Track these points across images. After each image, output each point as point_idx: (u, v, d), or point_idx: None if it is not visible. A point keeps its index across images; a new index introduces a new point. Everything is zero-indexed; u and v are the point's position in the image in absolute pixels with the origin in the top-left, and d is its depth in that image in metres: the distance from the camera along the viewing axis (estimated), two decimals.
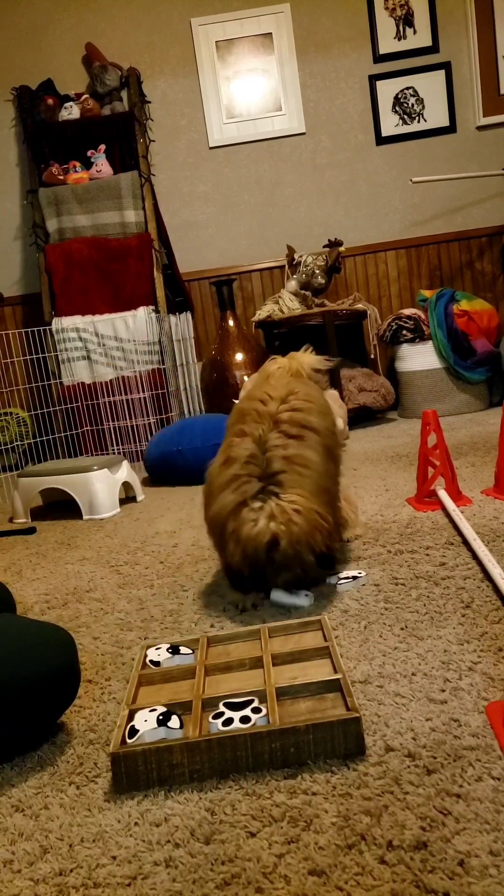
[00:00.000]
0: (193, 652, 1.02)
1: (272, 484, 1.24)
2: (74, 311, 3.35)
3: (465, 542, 1.43)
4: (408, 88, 3.73)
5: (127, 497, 2.42)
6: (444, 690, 0.88)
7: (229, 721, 0.80)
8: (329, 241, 3.44)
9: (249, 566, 1.23)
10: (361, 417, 3.54)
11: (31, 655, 0.86)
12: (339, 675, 0.87)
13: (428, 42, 3.69)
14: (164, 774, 0.77)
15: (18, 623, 0.92)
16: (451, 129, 3.75)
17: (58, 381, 3.32)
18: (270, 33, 3.69)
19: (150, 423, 3.30)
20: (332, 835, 0.66)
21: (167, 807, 0.74)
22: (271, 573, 1.25)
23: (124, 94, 3.67)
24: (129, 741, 0.79)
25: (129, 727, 0.81)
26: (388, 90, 3.73)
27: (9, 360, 3.72)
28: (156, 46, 3.71)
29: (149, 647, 1.04)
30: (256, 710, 0.82)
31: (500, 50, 3.69)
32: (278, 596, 1.26)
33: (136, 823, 0.72)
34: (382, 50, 3.70)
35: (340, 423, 2.78)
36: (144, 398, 3.29)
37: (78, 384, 3.31)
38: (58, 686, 0.87)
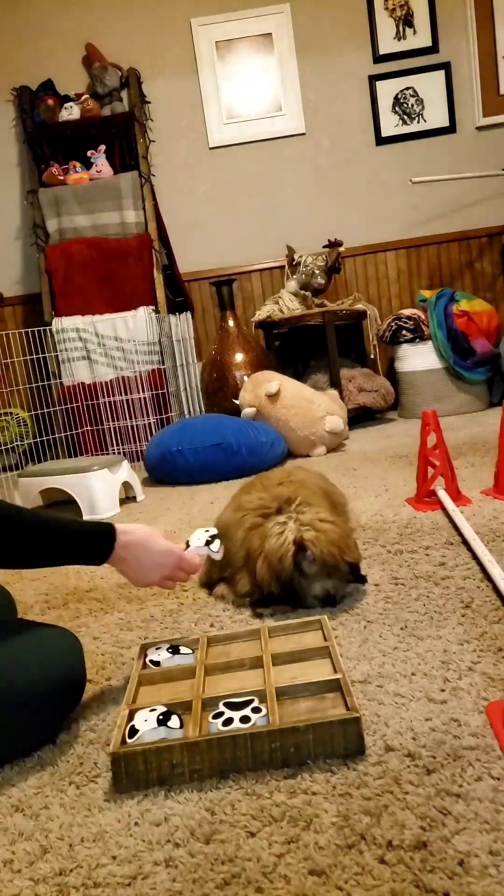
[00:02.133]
0: (193, 652, 1.02)
1: (289, 508, 1.26)
2: (74, 311, 3.35)
3: (465, 542, 1.43)
4: (408, 89, 3.73)
5: (127, 497, 2.42)
6: (443, 690, 0.88)
7: (229, 721, 0.80)
8: (329, 241, 3.44)
9: (278, 580, 1.18)
10: (361, 417, 3.54)
11: (38, 660, 0.87)
12: (338, 675, 0.87)
13: (428, 42, 3.69)
14: (164, 774, 0.77)
15: (26, 627, 0.93)
16: (451, 129, 3.75)
17: (58, 381, 3.32)
18: (270, 33, 3.69)
19: (150, 423, 3.30)
20: (332, 834, 0.66)
21: (167, 807, 0.74)
22: (305, 585, 1.20)
23: (124, 94, 3.67)
24: (129, 741, 0.79)
25: (129, 727, 0.81)
26: (388, 90, 3.73)
27: (9, 361, 3.72)
28: (156, 46, 3.71)
29: (149, 647, 1.04)
30: (256, 710, 0.82)
31: (500, 50, 3.69)
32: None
33: (136, 823, 0.72)
34: (382, 50, 3.70)
35: (340, 423, 2.79)
36: (144, 398, 3.29)
37: (78, 384, 3.31)
38: (64, 690, 0.89)
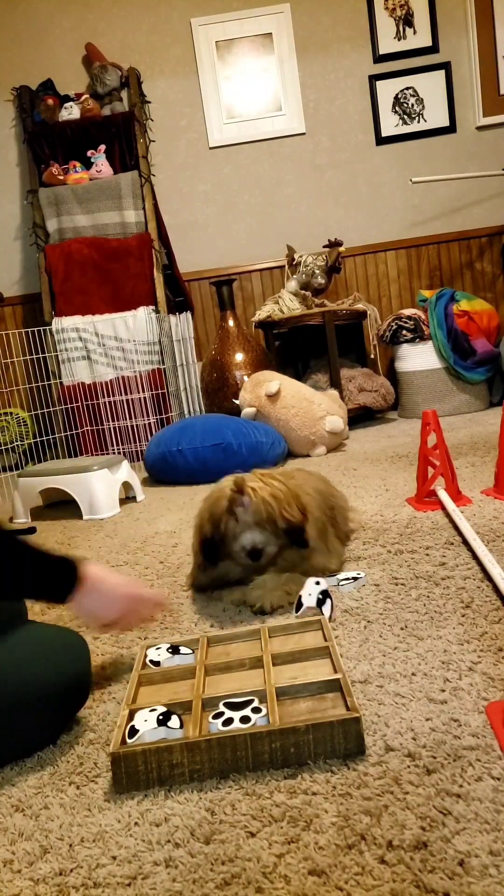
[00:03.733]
0: (193, 652, 1.02)
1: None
2: (74, 311, 3.35)
3: (465, 542, 1.43)
4: (408, 88, 3.73)
5: (127, 497, 2.42)
6: (444, 690, 0.88)
7: (229, 721, 0.80)
8: (329, 241, 3.44)
9: (211, 522, 1.22)
10: (361, 417, 3.54)
11: (46, 661, 0.87)
12: (339, 675, 0.87)
13: (428, 42, 3.69)
14: (164, 774, 0.77)
15: (36, 629, 0.93)
16: (451, 129, 3.75)
17: (58, 381, 3.32)
18: (270, 33, 3.69)
19: (150, 423, 3.30)
20: (332, 835, 0.66)
21: (167, 807, 0.74)
22: (236, 532, 1.22)
23: (124, 94, 3.67)
24: (129, 741, 0.79)
25: (129, 727, 0.81)
26: (388, 90, 3.73)
27: (9, 360, 3.72)
28: (156, 46, 3.71)
29: (149, 647, 1.04)
30: (256, 710, 0.82)
31: (500, 50, 3.69)
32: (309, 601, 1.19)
33: (136, 823, 0.72)
34: (382, 50, 3.70)
35: (340, 422, 2.79)
36: (144, 398, 3.29)
37: (78, 384, 3.31)
38: (70, 692, 0.89)
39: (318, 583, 1.17)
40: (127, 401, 3.30)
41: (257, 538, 1.23)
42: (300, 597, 1.16)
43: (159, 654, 1.01)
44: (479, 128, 3.76)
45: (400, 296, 3.90)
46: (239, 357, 3.31)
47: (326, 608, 1.13)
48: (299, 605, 1.16)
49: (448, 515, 1.64)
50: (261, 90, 3.73)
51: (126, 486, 2.37)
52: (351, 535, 1.58)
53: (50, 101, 3.49)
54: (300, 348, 3.81)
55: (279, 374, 2.96)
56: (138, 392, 3.29)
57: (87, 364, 3.33)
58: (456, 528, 1.54)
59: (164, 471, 2.58)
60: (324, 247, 3.48)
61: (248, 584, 1.28)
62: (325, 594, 1.15)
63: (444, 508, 1.69)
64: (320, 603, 1.13)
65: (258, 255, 3.86)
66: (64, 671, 0.88)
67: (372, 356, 3.72)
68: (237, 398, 3.07)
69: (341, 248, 3.42)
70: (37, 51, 3.70)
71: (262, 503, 1.19)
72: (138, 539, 1.86)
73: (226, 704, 0.84)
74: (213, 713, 0.82)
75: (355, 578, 1.28)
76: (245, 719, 0.80)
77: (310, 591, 1.15)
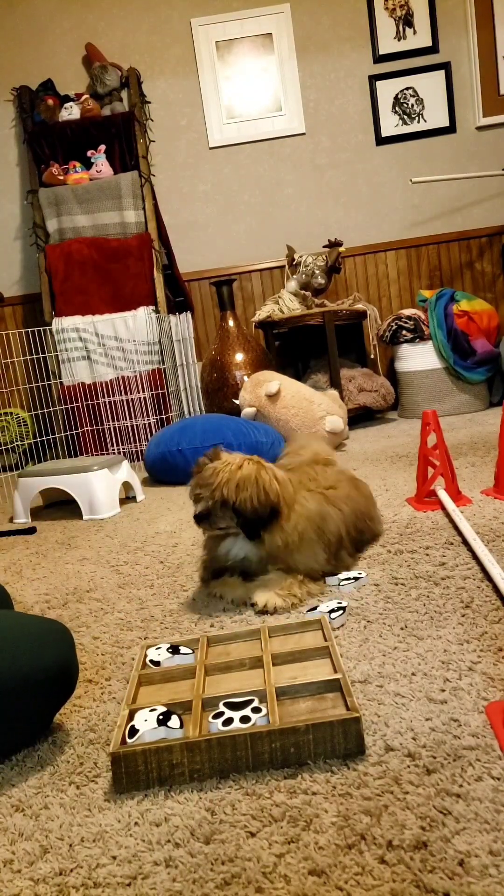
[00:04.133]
0: (193, 652, 1.02)
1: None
2: (74, 311, 3.35)
3: (465, 542, 1.43)
4: (408, 89, 3.73)
5: (127, 497, 2.42)
6: (444, 690, 0.88)
7: (229, 721, 0.80)
8: (329, 241, 3.44)
9: (193, 472, 1.31)
10: (361, 417, 3.54)
11: (26, 648, 0.85)
12: (338, 675, 0.87)
13: (428, 42, 3.69)
14: (164, 774, 0.77)
15: (14, 617, 0.91)
16: (451, 129, 3.75)
17: (58, 381, 3.32)
18: (270, 33, 3.69)
19: (150, 423, 3.30)
20: (332, 835, 0.66)
21: (167, 807, 0.74)
22: (193, 491, 1.29)
23: (124, 94, 3.67)
24: (129, 741, 0.79)
25: (129, 727, 0.81)
26: (388, 90, 3.73)
27: (9, 360, 3.72)
28: (156, 46, 3.72)
29: (149, 647, 1.04)
30: (256, 710, 0.82)
31: (500, 50, 3.69)
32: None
33: (136, 823, 0.72)
34: (382, 50, 3.70)
35: (340, 423, 2.79)
36: (144, 398, 3.29)
37: (78, 384, 3.31)
38: (55, 680, 0.86)
39: (339, 602, 1.18)
40: (127, 401, 3.30)
41: (202, 506, 1.27)
42: (316, 607, 1.17)
43: (159, 653, 1.01)
44: (479, 128, 3.76)
45: (400, 296, 3.90)
46: (239, 357, 3.31)
47: (337, 618, 1.12)
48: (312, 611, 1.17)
49: (448, 515, 1.64)
50: (261, 90, 3.73)
51: (126, 486, 2.37)
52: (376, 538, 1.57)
53: (50, 102, 3.49)
54: (300, 348, 3.81)
55: (279, 374, 2.96)
56: (138, 392, 3.29)
57: (87, 364, 3.33)
58: (456, 528, 1.54)
59: (164, 471, 2.58)
60: (324, 247, 3.48)
61: (253, 581, 1.29)
62: (342, 609, 1.15)
63: (443, 508, 1.69)
64: (333, 611, 1.14)
65: (258, 255, 3.87)
66: (45, 658, 0.85)
67: (372, 356, 3.72)
68: (237, 398, 3.07)
69: (341, 248, 3.43)
70: (37, 51, 3.70)
71: (210, 474, 1.25)
72: (138, 539, 1.86)
73: (226, 704, 0.84)
74: (213, 713, 0.82)
75: (355, 578, 1.28)
76: (245, 719, 0.80)
77: (328, 605, 1.16)
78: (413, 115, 3.75)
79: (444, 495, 1.71)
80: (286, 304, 3.42)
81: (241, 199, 3.83)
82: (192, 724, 0.82)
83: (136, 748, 0.77)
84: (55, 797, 0.78)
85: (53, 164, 3.48)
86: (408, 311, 3.44)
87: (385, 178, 3.82)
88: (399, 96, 3.74)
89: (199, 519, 1.28)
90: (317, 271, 3.44)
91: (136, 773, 0.77)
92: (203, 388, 3.46)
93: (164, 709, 0.83)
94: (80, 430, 3.30)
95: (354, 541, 1.43)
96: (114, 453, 3.29)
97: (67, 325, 3.29)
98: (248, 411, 2.86)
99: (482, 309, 3.34)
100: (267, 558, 1.28)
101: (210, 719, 0.81)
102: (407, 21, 3.68)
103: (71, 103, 3.53)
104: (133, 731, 0.80)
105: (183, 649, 1.03)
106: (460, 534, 1.49)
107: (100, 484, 2.19)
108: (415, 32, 3.68)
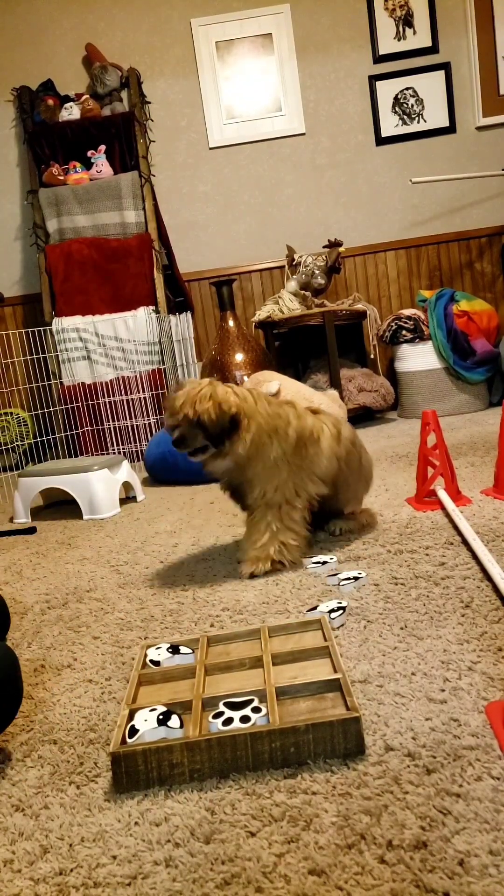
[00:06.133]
0: (193, 652, 1.02)
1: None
2: (74, 311, 3.35)
3: (465, 542, 1.43)
4: (407, 89, 3.73)
5: (127, 497, 2.42)
6: (443, 690, 0.88)
7: (229, 721, 0.80)
8: (329, 241, 3.44)
9: (164, 409, 1.45)
10: (361, 417, 3.54)
11: None
12: (338, 675, 0.87)
13: (428, 42, 3.69)
14: (164, 774, 0.77)
15: None
16: (450, 129, 3.76)
17: (58, 381, 3.33)
18: (270, 34, 3.69)
19: (150, 423, 3.30)
20: (332, 834, 0.66)
21: (167, 806, 0.74)
22: (167, 423, 1.41)
23: (124, 94, 3.67)
24: (129, 741, 0.79)
25: (129, 727, 0.81)
26: (387, 90, 3.73)
27: (9, 360, 3.72)
28: (156, 47, 3.72)
29: (149, 646, 1.04)
30: (256, 710, 0.82)
31: (500, 50, 3.69)
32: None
33: (136, 823, 0.72)
34: (382, 50, 3.70)
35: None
36: (144, 398, 3.29)
37: (78, 384, 3.31)
38: None
39: (339, 602, 1.18)
40: (127, 401, 3.30)
41: (178, 431, 1.38)
42: (316, 607, 1.17)
43: (159, 653, 1.01)
44: (479, 128, 3.76)
45: (400, 296, 3.90)
46: (239, 357, 3.31)
47: (337, 618, 1.13)
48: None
49: (448, 515, 1.64)
50: (261, 90, 3.73)
51: (126, 486, 2.37)
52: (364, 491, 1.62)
53: (50, 102, 3.50)
54: (300, 348, 3.81)
55: (279, 374, 2.96)
56: (138, 392, 3.29)
57: (87, 364, 3.33)
58: (456, 528, 1.54)
59: (164, 471, 2.58)
60: (324, 247, 3.48)
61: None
62: (342, 609, 1.15)
63: (443, 508, 1.69)
64: (333, 611, 1.14)
65: (258, 256, 3.87)
66: None
67: (372, 356, 3.72)
68: None
69: (341, 249, 3.43)
70: (37, 51, 3.71)
71: (174, 398, 1.37)
72: (138, 539, 1.86)
73: (226, 704, 0.84)
74: (213, 713, 0.82)
75: (355, 578, 1.28)
76: (245, 719, 0.80)
77: (328, 605, 1.16)
78: (413, 116, 3.75)
79: (443, 495, 1.71)
80: (286, 304, 3.42)
81: (240, 199, 3.83)
82: (192, 723, 0.82)
83: (136, 748, 0.77)
84: (55, 797, 0.78)
85: (53, 165, 3.48)
86: (408, 311, 3.44)
87: (385, 178, 3.82)
88: (399, 96, 3.74)
89: (177, 444, 1.39)
90: (317, 271, 3.44)
91: (136, 772, 0.77)
92: None
93: (164, 709, 0.83)
94: (80, 431, 3.30)
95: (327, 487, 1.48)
96: (114, 453, 3.29)
97: (67, 325, 3.29)
98: None
99: (482, 309, 3.34)
100: (235, 469, 1.40)
101: (210, 719, 0.81)
102: (407, 21, 3.68)
103: (71, 103, 3.53)
104: (133, 731, 0.80)
105: (183, 649, 1.03)
106: (460, 534, 1.49)
107: (100, 484, 2.19)
108: (415, 32, 3.69)
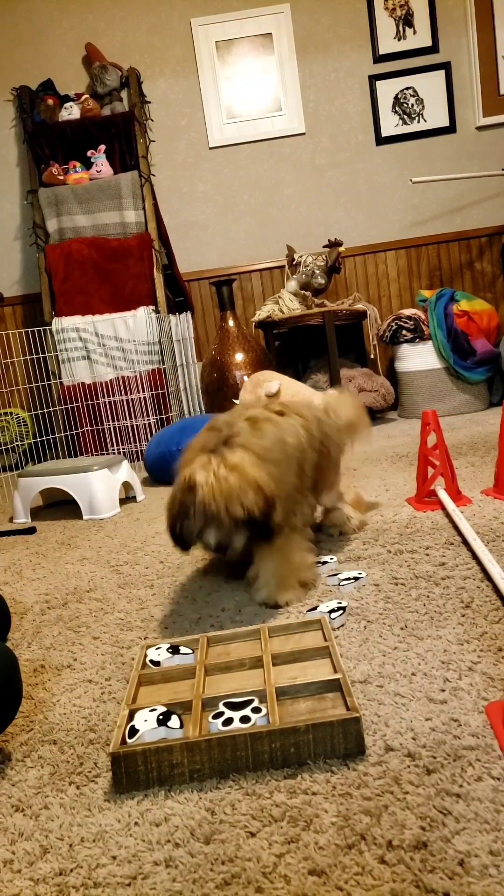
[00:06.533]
0: (193, 652, 1.02)
1: (227, 444, 1.22)
2: (74, 311, 3.35)
3: (465, 542, 1.43)
4: (408, 88, 3.73)
5: (127, 497, 2.42)
6: (444, 690, 0.88)
7: (229, 721, 0.80)
8: (329, 241, 3.44)
9: (172, 524, 1.20)
10: None
11: None
12: (338, 675, 0.87)
13: (428, 42, 3.69)
14: (164, 774, 0.77)
15: None
16: (451, 129, 3.76)
17: (58, 381, 3.32)
18: (270, 33, 3.69)
19: (150, 423, 3.30)
20: (332, 835, 0.66)
21: (167, 807, 0.74)
22: (199, 527, 1.18)
23: (124, 94, 3.67)
24: (129, 741, 0.79)
25: (129, 727, 0.81)
26: (387, 90, 3.73)
27: (9, 360, 3.72)
28: (156, 46, 3.72)
29: (149, 647, 1.04)
30: (256, 710, 0.82)
31: (500, 50, 3.69)
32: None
33: (136, 823, 0.72)
34: (382, 50, 3.70)
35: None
36: (144, 398, 3.29)
37: (78, 384, 3.31)
38: None
39: (340, 602, 1.18)
40: (127, 401, 3.30)
41: (217, 535, 1.18)
42: (316, 607, 1.17)
43: (159, 653, 1.01)
44: (479, 128, 3.76)
45: (400, 296, 3.90)
46: (239, 357, 3.31)
47: (337, 618, 1.13)
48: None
49: (448, 515, 1.64)
50: (261, 90, 3.73)
51: (126, 486, 2.37)
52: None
53: (50, 101, 3.50)
54: (300, 348, 3.81)
55: (279, 374, 2.96)
56: (138, 392, 3.29)
57: (87, 364, 3.33)
58: (456, 528, 1.54)
59: (164, 471, 2.58)
60: (324, 247, 3.48)
61: (251, 569, 1.27)
62: (342, 609, 1.15)
63: (443, 508, 1.69)
64: (333, 611, 1.14)
65: (258, 255, 3.87)
66: None
67: (372, 356, 3.72)
68: (237, 398, 3.07)
69: (341, 248, 3.43)
70: (37, 51, 3.71)
71: (209, 505, 1.13)
72: (138, 539, 1.86)
73: (226, 704, 0.84)
74: (213, 713, 0.82)
75: (356, 578, 1.28)
76: (245, 719, 0.80)
77: (329, 605, 1.16)
78: (413, 115, 3.75)
79: (444, 495, 1.71)
80: (286, 304, 3.42)
81: (240, 199, 3.83)
82: (192, 724, 0.82)
83: (136, 748, 0.77)
84: (55, 797, 0.78)
85: (53, 164, 3.48)
86: (408, 311, 3.44)
87: (385, 178, 3.82)
88: (399, 96, 3.74)
89: (221, 550, 1.17)
90: (317, 271, 3.44)
91: (136, 773, 0.77)
92: (203, 388, 3.46)
93: (164, 709, 0.83)
94: (80, 430, 3.30)
95: (317, 466, 1.39)
96: (114, 453, 3.29)
97: (67, 325, 3.29)
98: None
99: (482, 309, 3.34)
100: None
101: (210, 719, 0.81)
102: (407, 21, 3.68)
103: (71, 103, 3.53)
104: (133, 731, 0.80)
105: (183, 649, 1.03)
106: (460, 534, 1.49)
107: (100, 484, 2.19)
108: (415, 32, 3.68)
